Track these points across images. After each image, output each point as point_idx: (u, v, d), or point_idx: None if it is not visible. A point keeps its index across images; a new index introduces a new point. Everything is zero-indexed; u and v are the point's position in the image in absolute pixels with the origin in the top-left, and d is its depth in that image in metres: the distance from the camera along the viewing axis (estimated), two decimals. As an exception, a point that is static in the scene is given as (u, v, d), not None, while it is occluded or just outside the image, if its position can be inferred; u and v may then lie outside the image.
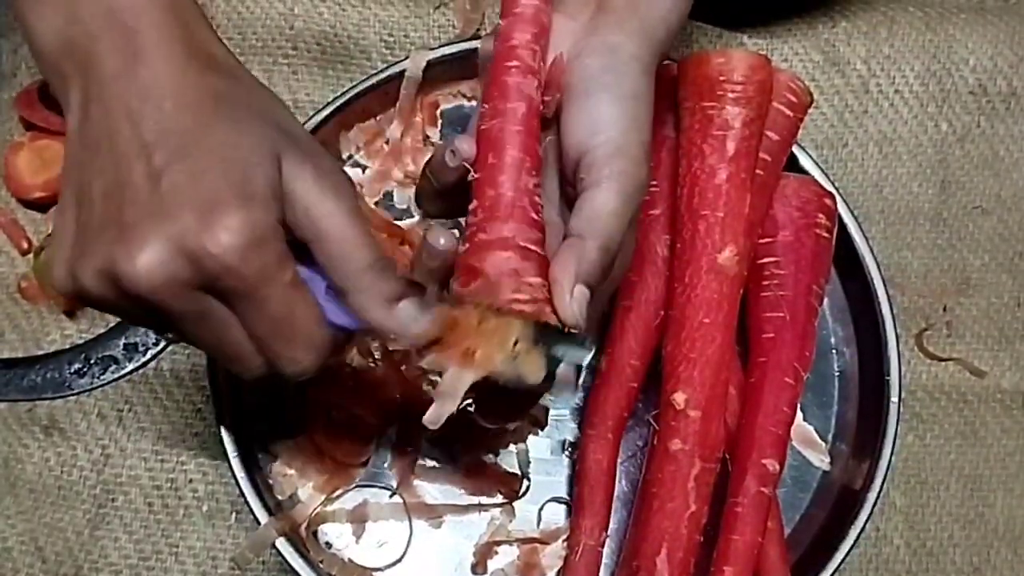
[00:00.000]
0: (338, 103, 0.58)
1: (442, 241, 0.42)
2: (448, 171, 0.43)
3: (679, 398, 0.50)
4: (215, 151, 0.36)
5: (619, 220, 0.41)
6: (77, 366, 0.58)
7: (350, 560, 0.55)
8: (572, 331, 0.40)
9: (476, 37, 0.62)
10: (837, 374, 0.60)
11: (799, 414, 0.58)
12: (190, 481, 0.57)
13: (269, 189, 0.37)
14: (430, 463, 0.56)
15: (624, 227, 0.41)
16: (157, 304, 0.36)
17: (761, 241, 0.55)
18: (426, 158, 0.60)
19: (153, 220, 0.35)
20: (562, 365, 0.42)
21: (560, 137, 0.43)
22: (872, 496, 0.54)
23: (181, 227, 0.35)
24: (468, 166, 0.42)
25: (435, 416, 0.41)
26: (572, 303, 0.40)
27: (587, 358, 0.42)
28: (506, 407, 0.46)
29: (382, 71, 0.60)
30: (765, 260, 0.55)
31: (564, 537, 0.55)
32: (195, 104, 0.37)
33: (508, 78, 0.43)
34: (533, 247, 0.41)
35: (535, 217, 0.41)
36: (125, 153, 0.36)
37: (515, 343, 0.40)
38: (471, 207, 0.42)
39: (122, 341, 0.59)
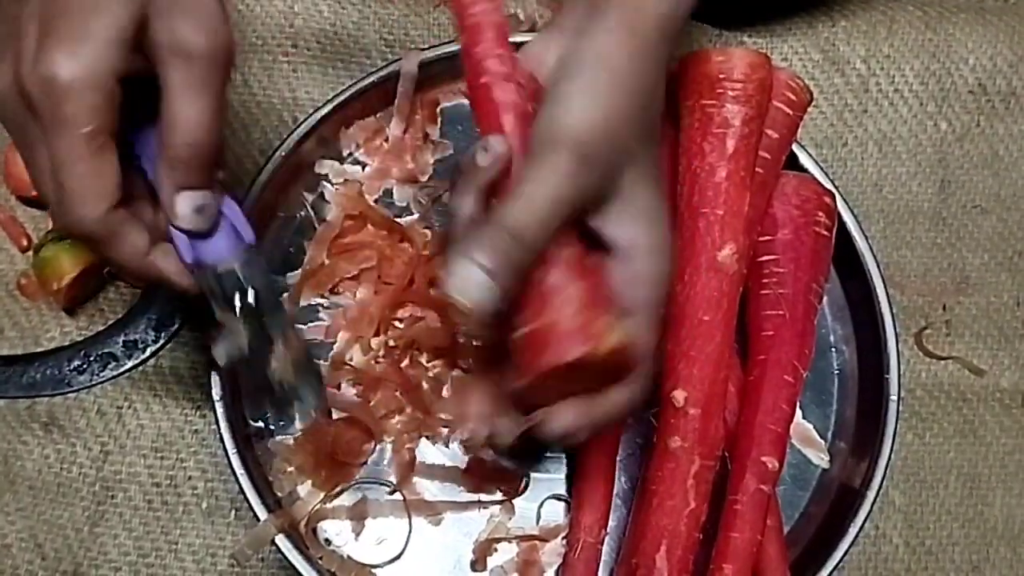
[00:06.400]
0: (338, 101, 0.58)
1: (496, 146, 0.41)
2: (482, 171, 0.42)
3: (679, 396, 0.50)
4: None
5: (527, 213, 0.39)
6: (76, 363, 0.58)
7: (349, 557, 0.55)
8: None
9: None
10: (836, 372, 0.60)
11: (798, 412, 0.58)
12: (189, 478, 0.57)
13: (113, 32, 0.37)
14: (430, 460, 0.56)
15: (540, 224, 0.39)
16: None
17: (761, 239, 0.55)
18: (427, 156, 0.61)
19: (8, 39, 0.38)
20: None
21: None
22: (871, 494, 0.54)
23: (18, 49, 0.37)
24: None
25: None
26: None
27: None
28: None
29: (382, 69, 0.60)
30: (765, 258, 0.55)
31: (563, 535, 0.55)
32: None
33: (487, 93, 0.43)
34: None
35: None
36: None
37: None
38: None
39: (121, 338, 0.58)
